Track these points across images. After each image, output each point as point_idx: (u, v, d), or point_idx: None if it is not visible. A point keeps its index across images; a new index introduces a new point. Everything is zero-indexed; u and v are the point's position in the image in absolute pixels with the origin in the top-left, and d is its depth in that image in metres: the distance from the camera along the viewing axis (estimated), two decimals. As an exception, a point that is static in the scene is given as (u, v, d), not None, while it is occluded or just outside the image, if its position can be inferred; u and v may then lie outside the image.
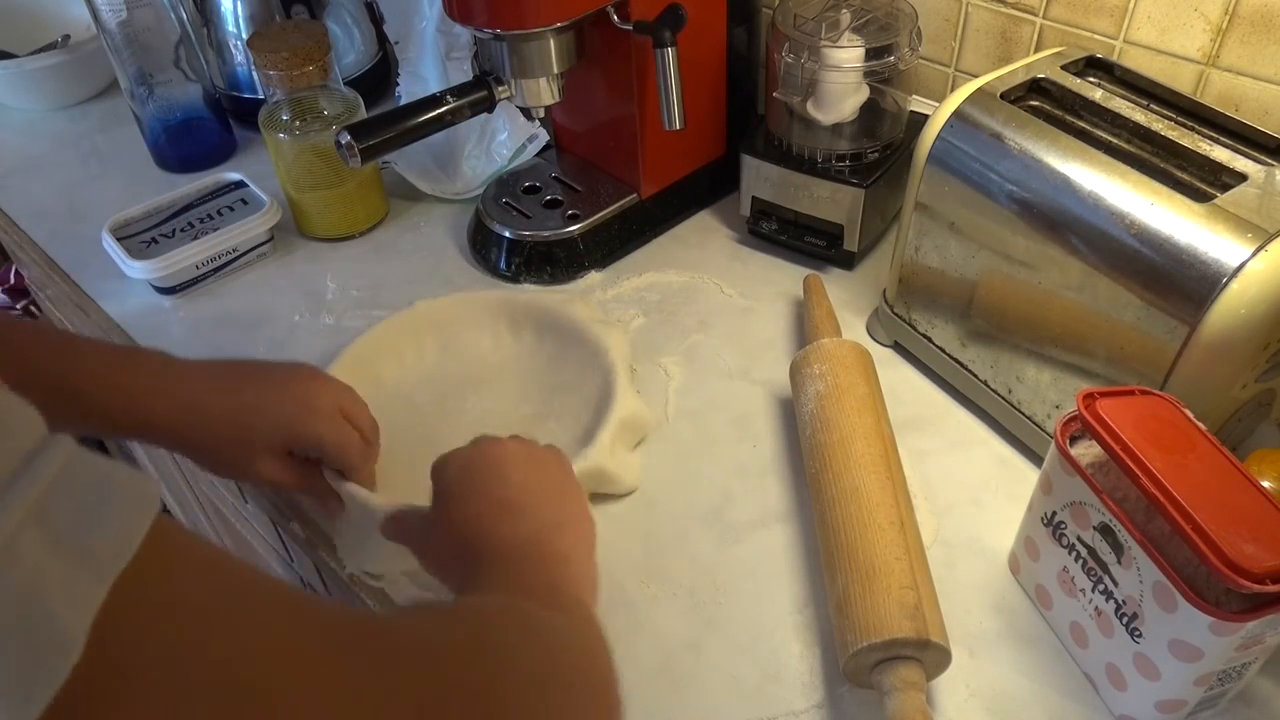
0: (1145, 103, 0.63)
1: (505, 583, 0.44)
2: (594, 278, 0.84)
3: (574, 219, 0.84)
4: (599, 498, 0.65)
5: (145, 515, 0.21)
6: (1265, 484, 0.49)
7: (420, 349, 0.76)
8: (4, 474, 0.19)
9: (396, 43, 0.95)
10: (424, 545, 0.53)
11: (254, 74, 0.98)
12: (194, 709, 0.22)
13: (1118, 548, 0.49)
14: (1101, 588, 0.51)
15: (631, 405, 0.67)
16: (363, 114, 0.87)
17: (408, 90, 0.95)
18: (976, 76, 0.66)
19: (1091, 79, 0.66)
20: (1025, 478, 0.64)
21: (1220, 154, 0.57)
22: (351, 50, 1.05)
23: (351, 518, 0.61)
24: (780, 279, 0.83)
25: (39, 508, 0.19)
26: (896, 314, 0.73)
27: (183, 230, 0.85)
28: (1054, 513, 0.54)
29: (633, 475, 0.66)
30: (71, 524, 0.20)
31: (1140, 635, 0.49)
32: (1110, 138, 0.61)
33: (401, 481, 0.64)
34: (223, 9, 0.98)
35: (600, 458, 0.63)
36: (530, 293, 0.82)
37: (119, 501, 0.21)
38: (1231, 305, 0.51)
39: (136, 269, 0.81)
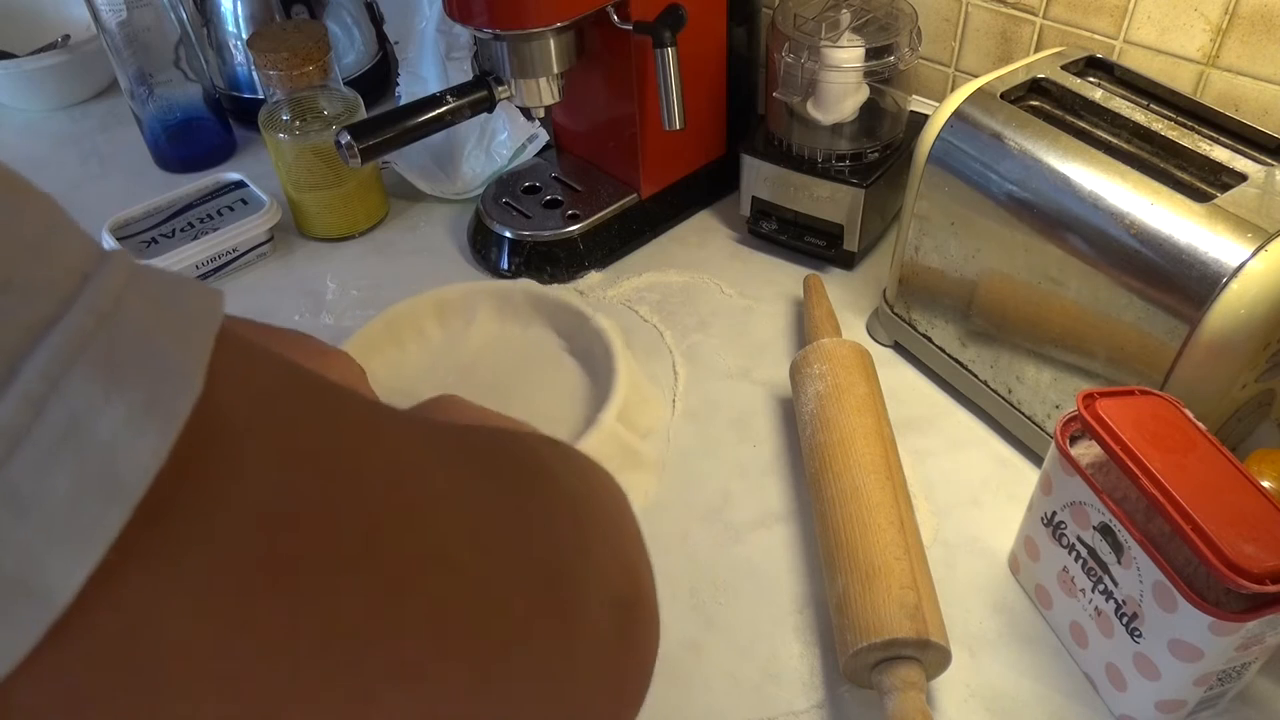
0: (1145, 103, 0.63)
1: None
2: (594, 278, 0.84)
3: (574, 219, 0.84)
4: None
5: (218, 295, 0.22)
6: (1265, 484, 0.49)
7: (418, 340, 0.76)
8: (94, 247, 0.20)
9: (396, 43, 0.95)
10: None
11: (254, 74, 0.98)
12: (312, 440, 0.22)
13: (1118, 548, 0.49)
14: (1101, 588, 0.51)
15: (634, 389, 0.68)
16: (363, 114, 0.87)
17: (408, 90, 0.95)
18: (976, 76, 0.66)
19: (1091, 79, 0.66)
20: (1025, 478, 0.64)
21: (1220, 154, 0.57)
22: (351, 50, 1.05)
23: None
24: (780, 279, 0.83)
25: (134, 276, 0.20)
26: (896, 314, 0.73)
27: (183, 230, 0.85)
28: (1054, 513, 0.54)
29: (661, 401, 0.69)
30: (164, 290, 0.20)
31: (1140, 635, 0.49)
32: (1110, 138, 0.61)
33: None
34: (223, 9, 0.98)
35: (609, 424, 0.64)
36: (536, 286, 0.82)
37: (190, 284, 0.22)
38: (1231, 305, 0.51)
39: (136, 269, 0.81)
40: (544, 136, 0.92)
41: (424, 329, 0.77)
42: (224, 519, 0.19)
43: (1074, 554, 0.53)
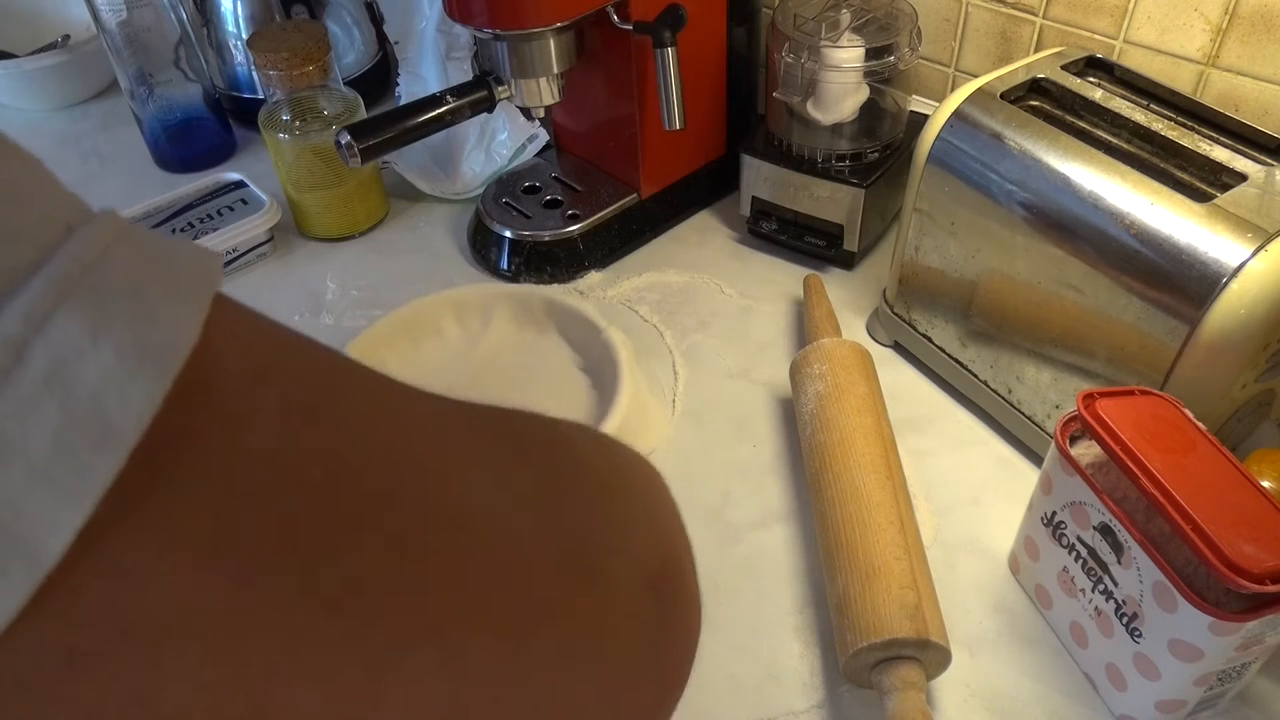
0: (1145, 103, 0.63)
1: None
2: (594, 278, 0.84)
3: (574, 219, 0.84)
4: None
5: (216, 255, 0.21)
6: (1265, 484, 0.49)
7: (435, 337, 0.77)
8: (80, 204, 0.19)
9: (396, 43, 0.95)
10: None
11: (254, 74, 0.98)
12: (316, 390, 0.21)
13: (1118, 548, 0.49)
14: (1101, 588, 0.51)
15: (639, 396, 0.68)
16: (363, 114, 0.87)
17: (408, 90, 0.95)
18: (976, 76, 0.66)
19: (1091, 79, 0.66)
20: (1025, 478, 0.64)
21: (1220, 154, 0.57)
22: (351, 50, 1.05)
23: None
24: (780, 279, 0.83)
25: (124, 231, 0.19)
26: (896, 314, 0.73)
27: (183, 230, 0.85)
28: (1054, 513, 0.54)
29: (661, 415, 0.69)
30: (157, 251, 0.19)
31: (1140, 635, 0.49)
32: (1110, 138, 0.61)
33: None
34: (223, 9, 0.98)
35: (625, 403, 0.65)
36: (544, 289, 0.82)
37: (186, 244, 0.21)
38: (1231, 305, 0.51)
39: (136, 269, 0.81)
40: (544, 136, 0.92)
41: (441, 327, 0.77)
42: (225, 473, 0.18)
43: (1074, 554, 0.53)
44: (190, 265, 0.20)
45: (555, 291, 0.78)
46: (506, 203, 0.87)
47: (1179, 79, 0.70)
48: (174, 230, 0.85)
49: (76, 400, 0.16)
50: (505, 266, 0.84)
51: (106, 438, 0.16)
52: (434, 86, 0.91)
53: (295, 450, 0.20)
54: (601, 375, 0.70)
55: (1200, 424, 0.50)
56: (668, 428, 0.70)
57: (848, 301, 0.80)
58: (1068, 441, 0.52)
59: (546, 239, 0.83)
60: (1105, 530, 0.50)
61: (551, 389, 0.73)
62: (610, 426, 0.64)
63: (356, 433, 0.21)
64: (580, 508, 0.28)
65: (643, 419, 0.68)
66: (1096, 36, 0.73)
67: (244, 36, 0.98)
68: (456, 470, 0.24)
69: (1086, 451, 0.52)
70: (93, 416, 0.16)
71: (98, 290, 0.17)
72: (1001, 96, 0.63)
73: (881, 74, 0.76)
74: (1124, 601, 0.49)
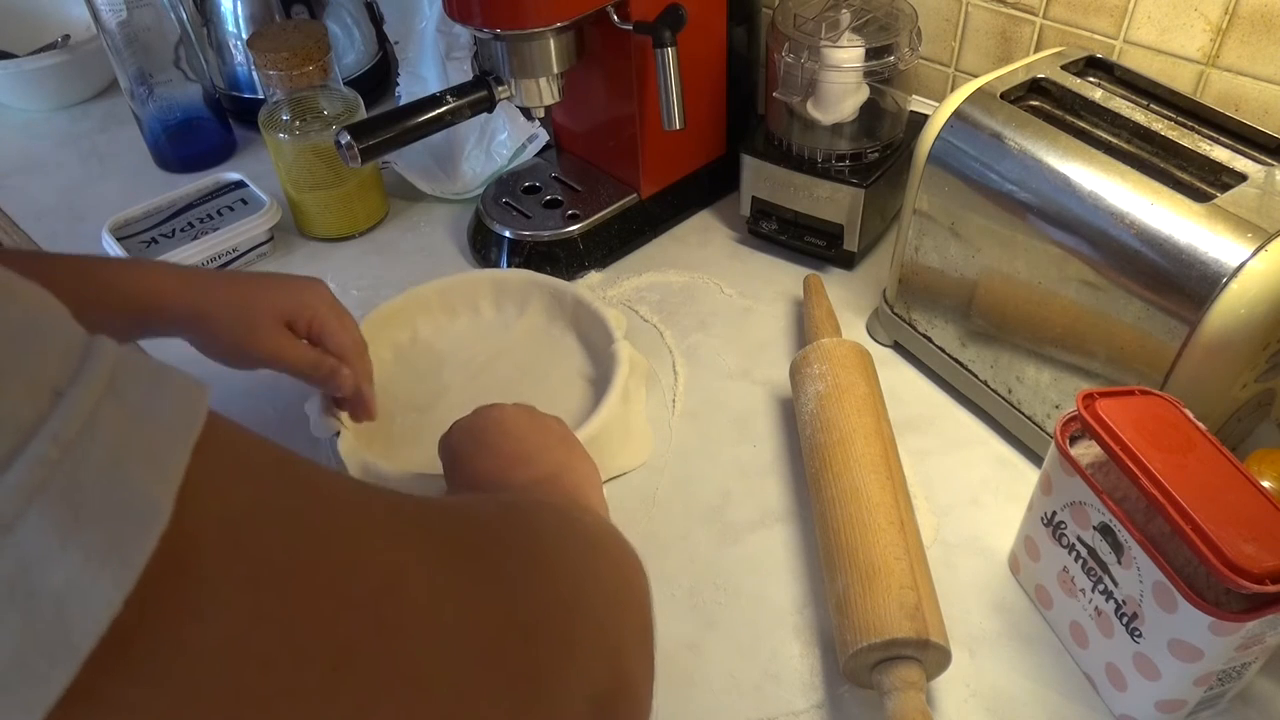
0: (1145, 103, 0.63)
1: None
2: (594, 278, 0.84)
3: (574, 219, 0.84)
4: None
5: (201, 393, 0.21)
6: (1265, 484, 0.49)
7: (470, 313, 0.78)
8: (76, 349, 0.19)
9: (396, 43, 0.95)
10: None
11: (254, 74, 0.98)
12: (285, 559, 0.22)
13: (1118, 548, 0.49)
14: (1101, 588, 0.51)
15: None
16: (363, 114, 0.87)
17: (408, 90, 0.95)
18: (976, 76, 0.66)
19: (1091, 79, 0.66)
20: (1025, 478, 0.64)
21: (1220, 154, 0.57)
22: (351, 50, 1.05)
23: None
24: (780, 279, 0.83)
25: (112, 380, 0.19)
26: (896, 314, 0.73)
27: (183, 230, 0.85)
28: (1054, 513, 0.54)
29: (644, 435, 0.69)
30: (142, 400, 0.20)
31: (1140, 635, 0.49)
32: (1110, 138, 0.61)
33: (411, 455, 0.67)
34: (223, 9, 0.98)
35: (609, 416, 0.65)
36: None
37: (175, 382, 0.21)
38: (1231, 305, 0.51)
39: (136, 269, 0.81)
40: (544, 136, 0.92)
41: (479, 305, 0.79)
42: (185, 660, 0.19)
43: (1074, 554, 0.53)
44: (175, 413, 0.20)
45: (589, 291, 0.78)
46: (506, 203, 0.87)
47: (1179, 79, 0.70)
48: (174, 230, 0.85)
49: (39, 609, 0.16)
50: (505, 266, 0.84)
51: (65, 649, 0.16)
52: (434, 86, 0.91)
53: (256, 627, 0.20)
54: (602, 387, 0.69)
55: (1200, 424, 0.50)
56: (648, 450, 0.69)
57: (848, 301, 0.80)
58: (1068, 441, 0.52)
59: (546, 239, 0.83)
60: (1105, 530, 0.50)
61: (555, 391, 0.72)
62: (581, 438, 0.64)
63: (323, 594, 0.22)
64: (537, 636, 0.28)
65: (622, 439, 0.67)
66: (1096, 36, 0.73)
67: (244, 36, 0.98)
68: (420, 621, 0.24)
69: (1086, 451, 0.52)
70: (54, 626, 0.16)
71: (73, 478, 0.17)
72: (1001, 96, 0.63)
73: (881, 74, 0.76)
74: (1124, 601, 0.49)
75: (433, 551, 0.27)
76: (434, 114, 0.74)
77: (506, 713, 0.26)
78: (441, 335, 0.77)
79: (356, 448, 0.64)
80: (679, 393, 0.73)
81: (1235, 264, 0.51)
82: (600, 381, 0.71)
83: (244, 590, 0.20)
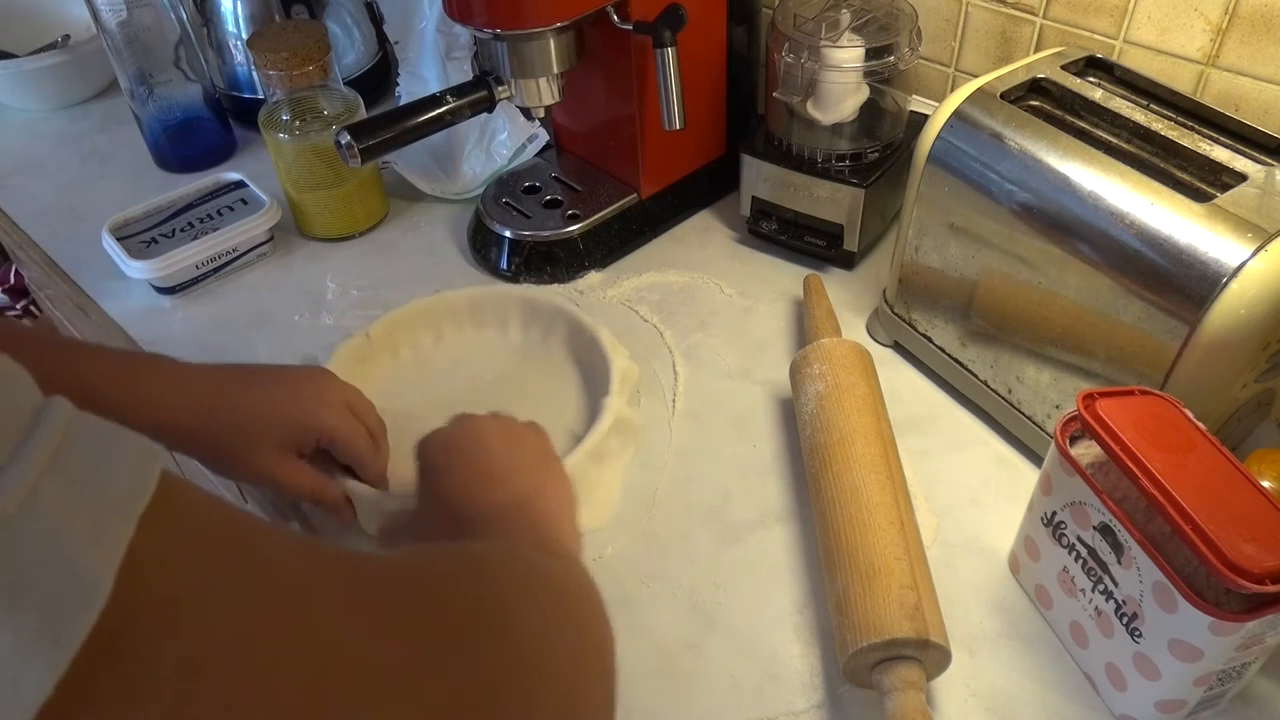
0: (1145, 103, 0.63)
1: (500, 540, 0.45)
2: (594, 278, 0.84)
3: (574, 219, 0.84)
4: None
5: (153, 461, 0.21)
6: (1265, 484, 0.49)
7: (415, 345, 0.77)
8: (20, 424, 0.19)
9: (396, 43, 0.96)
10: (417, 530, 0.53)
11: (254, 74, 0.98)
12: (225, 638, 0.21)
13: (1118, 548, 0.49)
14: (1101, 588, 0.51)
15: (621, 416, 0.67)
16: (363, 114, 0.87)
17: (408, 90, 0.95)
18: (976, 76, 0.66)
19: (1091, 79, 0.66)
20: (1025, 478, 0.64)
21: (1220, 154, 0.57)
22: (351, 50, 1.05)
23: (364, 518, 0.62)
24: (780, 279, 0.83)
25: (56, 457, 0.19)
26: (896, 314, 0.73)
27: (183, 230, 0.85)
28: (1054, 513, 0.54)
29: (610, 498, 0.65)
30: (88, 471, 0.19)
31: (1140, 635, 0.49)
32: (1110, 138, 0.61)
33: (410, 477, 0.65)
34: (223, 9, 0.98)
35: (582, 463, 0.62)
36: (542, 291, 0.82)
37: (126, 449, 0.21)
38: (1231, 305, 0.51)
39: (136, 269, 0.81)
40: (544, 136, 0.92)
41: (507, 322, 0.78)
42: None
43: (1074, 554, 0.53)
44: (122, 483, 0.20)
45: (611, 324, 0.75)
46: (506, 203, 0.87)
47: (1179, 79, 0.70)
48: (174, 230, 0.85)
49: (62, 559, 0.16)
50: (505, 266, 0.84)
51: (95, 589, 0.17)
52: (434, 86, 0.91)
53: (194, 715, 0.20)
54: (581, 438, 0.65)
55: (1200, 424, 0.50)
56: (607, 514, 0.65)
57: (848, 301, 0.80)
58: (1068, 441, 0.52)
59: (546, 239, 0.83)
60: (1105, 530, 0.50)
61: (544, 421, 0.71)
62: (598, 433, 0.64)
63: (264, 678, 0.21)
64: (492, 689, 0.28)
65: (583, 497, 0.66)
66: (1096, 36, 0.73)
67: (244, 36, 0.98)
68: (370, 705, 0.24)
69: (1086, 451, 0.52)
70: (77, 572, 0.17)
71: (8, 560, 0.17)
72: (1001, 96, 0.63)
73: (881, 74, 0.76)
74: (1124, 601, 0.49)
75: (386, 622, 0.26)
76: (434, 114, 0.74)
77: None
78: (464, 344, 0.77)
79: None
80: (679, 393, 0.73)
81: (1235, 264, 0.51)
82: (583, 432, 0.67)
83: (182, 673, 0.20)
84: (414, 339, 0.76)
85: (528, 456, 0.51)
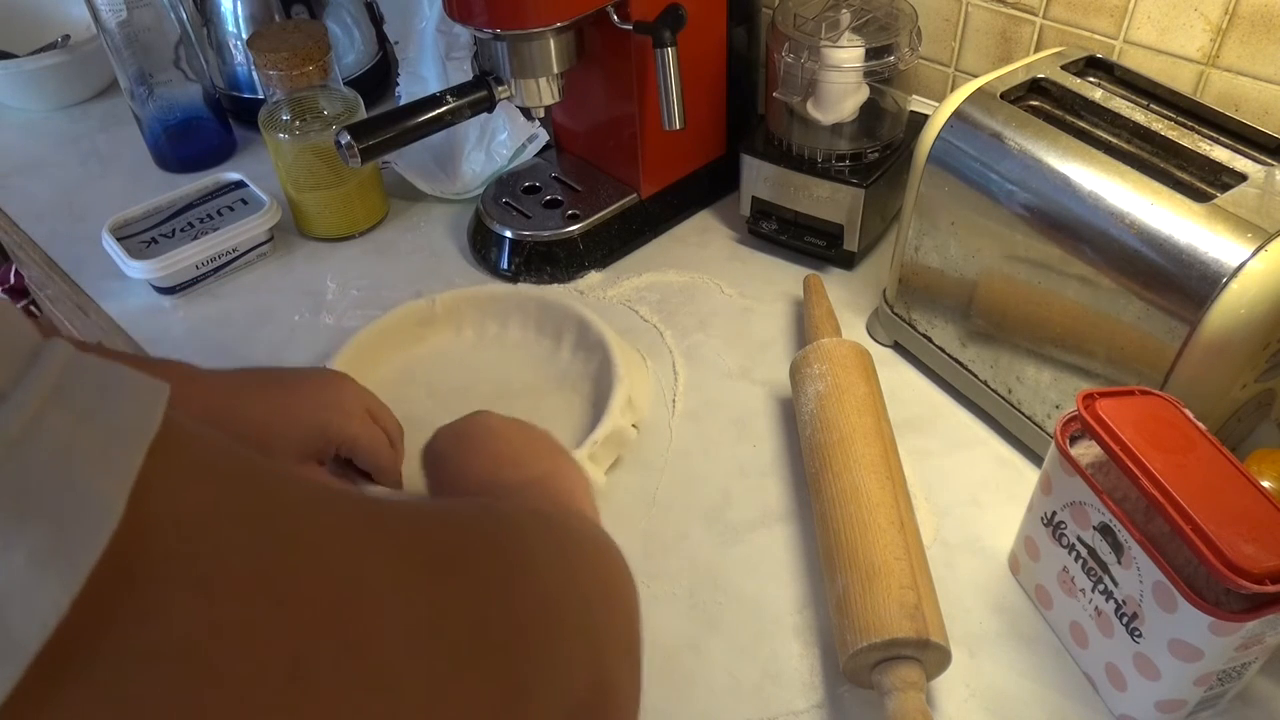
0: (1145, 103, 0.63)
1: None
2: (594, 278, 0.84)
3: (574, 219, 0.84)
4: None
5: (160, 394, 0.21)
6: (1265, 484, 0.49)
7: (425, 341, 0.77)
8: (21, 356, 0.19)
9: (396, 43, 0.96)
10: None
11: (254, 74, 0.98)
12: (240, 564, 0.21)
13: (1118, 548, 0.49)
14: (1101, 588, 0.51)
15: (617, 426, 0.66)
16: (363, 114, 0.87)
17: (408, 90, 0.95)
18: (976, 76, 0.66)
19: (1091, 79, 0.66)
20: (1025, 478, 0.64)
21: (1220, 154, 0.57)
22: (351, 50, 1.05)
23: None
24: (780, 279, 0.83)
25: (59, 387, 0.19)
26: (896, 314, 0.73)
27: (183, 230, 0.85)
28: (1054, 513, 0.54)
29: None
30: (93, 402, 0.19)
31: (1140, 635, 0.49)
32: (1110, 138, 0.61)
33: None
34: (223, 9, 0.98)
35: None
36: (555, 291, 0.81)
37: (129, 383, 0.20)
38: (1231, 305, 0.51)
39: (136, 269, 0.81)
40: (544, 136, 0.92)
41: (507, 321, 0.78)
42: (137, 669, 0.18)
43: (1074, 554, 0.53)
44: (128, 415, 0.20)
45: (612, 324, 0.75)
46: (506, 203, 0.87)
47: (1179, 79, 0.70)
48: (174, 230, 0.85)
49: (72, 483, 0.16)
50: (505, 266, 0.84)
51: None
52: (434, 86, 0.91)
53: (211, 635, 0.19)
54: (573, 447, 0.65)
55: (1200, 424, 0.50)
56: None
57: (848, 301, 0.80)
58: (1068, 441, 0.52)
59: (546, 239, 0.83)
60: (1105, 530, 0.50)
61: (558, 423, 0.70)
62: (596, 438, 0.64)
63: (282, 599, 0.21)
64: (514, 644, 0.28)
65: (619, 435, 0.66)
66: (1096, 36, 0.73)
67: (244, 36, 0.98)
68: (388, 625, 0.23)
69: (1086, 451, 0.52)
70: (88, 496, 0.16)
71: (18, 476, 0.17)
72: (1001, 96, 0.63)
73: (881, 74, 0.76)
74: (1124, 601, 0.49)
75: (402, 555, 0.26)
76: (434, 114, 0.74)
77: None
78: (485, 342, 0.77)
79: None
80: (679, 393, 0.73)
81: (1235, 264, 0.51)
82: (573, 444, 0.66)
83: (196, 595, 0.19)
84: (439, 335, 0.77)
85: (540, 445, 0.51)
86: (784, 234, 0.83)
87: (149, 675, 0.18)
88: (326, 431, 0.57)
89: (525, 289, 0.80)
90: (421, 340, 0.77)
